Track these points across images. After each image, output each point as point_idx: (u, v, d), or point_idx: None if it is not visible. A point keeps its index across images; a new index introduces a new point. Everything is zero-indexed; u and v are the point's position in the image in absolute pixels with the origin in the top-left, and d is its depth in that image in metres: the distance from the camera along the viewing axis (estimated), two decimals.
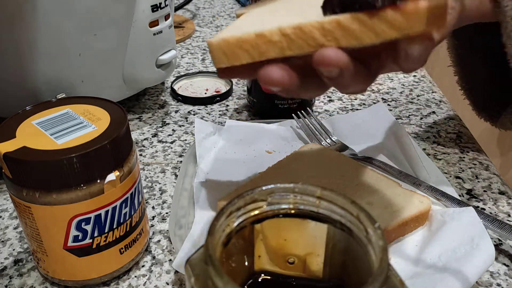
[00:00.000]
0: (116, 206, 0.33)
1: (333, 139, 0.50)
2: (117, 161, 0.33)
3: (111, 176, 0.32)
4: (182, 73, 0.68)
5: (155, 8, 0.51)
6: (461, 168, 0.49)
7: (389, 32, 0.25)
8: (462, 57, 0.50)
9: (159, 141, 0.54)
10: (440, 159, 0.50)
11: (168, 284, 0.36)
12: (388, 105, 0.61)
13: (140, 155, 0.51)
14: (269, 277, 0.26)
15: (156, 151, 0.52)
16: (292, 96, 0.30)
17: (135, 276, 0.37)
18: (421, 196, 0.40)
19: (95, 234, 0.33)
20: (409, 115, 0.59)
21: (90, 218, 0.32)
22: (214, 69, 0.70)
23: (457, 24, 0.35)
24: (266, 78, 0.27)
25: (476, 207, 0.39)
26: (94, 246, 0.33)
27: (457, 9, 0.33)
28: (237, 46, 0.27)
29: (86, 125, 0.33)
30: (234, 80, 0.67)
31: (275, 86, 0.27)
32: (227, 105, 0.61)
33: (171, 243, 0.38)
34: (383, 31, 0.25)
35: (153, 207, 0.44)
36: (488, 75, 0.49)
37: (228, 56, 0.28)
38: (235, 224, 0.23)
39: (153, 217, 0.43)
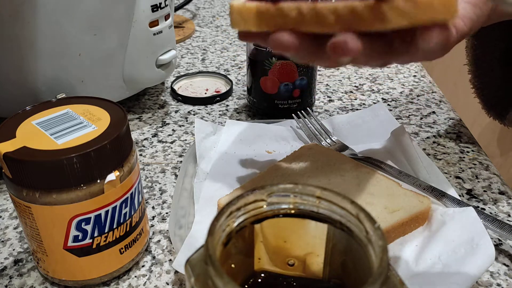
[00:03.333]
0: (116, 206, 0.33)
1: (333, 139, 0.50)
2: (117, 161, 0.33)
3: (111, 176, 0.32)
4: (182, 73, 0.68)
5: (155, 8, 0.51)
6: (461, 168, 0.49)
7: (398, 20, 0.25)
8: (479, 57, 0.51)
9: (159, 141, 0.54)
10: (440, 159, 0.50)
11: (168, 284, 0.36)
12: (388, 105, 0.61)
13: (140, 155, 0.51)
14: (269, 277, 0.26)
15: (156, 151, 0.52)
16: (308, 63, 0.30)
17: (135, 276, 0.37)
18: (421, 196, 0.40)
19: (95, 234, 0.33)
20: (409, 115, 0.59)
21: (90, 218, 0.32)
22: (214, 69, 0.70)
23: (488, 21, 0.35)
24: (275, 42, 0.27)
25: (476, 207, 0.39)
26: (94, 246, 0.33)
27: (489, 5, 0.32)
28: (256, 15, 0.27)
29: (86, 125, 0.33)
30: (234, 80, 0.67)
31: (285, 51, 0.27)
32: (227, 105, 0.61)
33: (171, 243, 0.38)
34: (393, 19, 0.25)
35: (153, 207, 0.44)
36: (502, 75, 0.51)
37: (246, 22, 0.28)
38: (235, 224, 0.23)
39: (153, 217, 0.43)
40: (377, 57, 0.28)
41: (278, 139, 0.51)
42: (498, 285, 0.36)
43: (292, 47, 0.27)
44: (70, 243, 0.33)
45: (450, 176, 0.48)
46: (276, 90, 0.54)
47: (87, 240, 0.33)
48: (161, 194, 0.46)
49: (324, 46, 0.26)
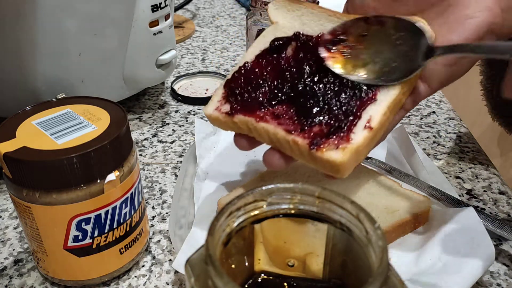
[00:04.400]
0: (116, 206, 0.33)
1: None
2: (117, 161, 0.33)
3: (111, 176, 0.32)
4: (182, 73, 0.68)
5: (155, 8, 0.51)
6: (461, 168, 0.49)
7: (305, 162, 0.31)
8: (490, 58, 0.51)
9: (159, 141, 0.54)
10: (440, 159, 0.50)
11: (168, 284, 0.36)
12: None
13: (140, 155, 0.51)
14: (269, 277, 0.26)
15: (156, 151, 0.52)
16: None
17: (135, 276, 0.37)
18: (421, 196, 0.40)
19: (95, 234, 0.33)
20: (409, 115, 0.59)
21: (90, 218, 0.32)
22: (214, 69, 0.70)
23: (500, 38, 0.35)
24: (237, 144, 0.35)
25: (476, 207, 0.39)
26: (94, 246, 0.33)
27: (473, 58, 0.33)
28: (221, 122, 0.35)
29: (86, 125, 0.33)
30: None
31: (242, 150, 0.35)
32: None
33: (171, 243, 0.38)
34: (303, 160, 0.31)
35: (153, 207, 0.44)
36: None
37: (218, 124, 0.35)
38: (235, 224, 0.23)
39: (153, 217, 0.43)
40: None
41: None
42: (498, 285, 0.36)
43: (246, 149, 0.35)
44: (70, 243, 0.33)
45: (450, 176, 0.48)
46: None
47: (87, 240, 0.33)
48: (161, 194, 0.46)
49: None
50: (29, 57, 0.46)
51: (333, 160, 0.29)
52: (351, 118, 0.30)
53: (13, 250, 0.39)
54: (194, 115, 0.59)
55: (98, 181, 0.31)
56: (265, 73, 0.34)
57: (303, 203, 0.24)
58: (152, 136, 0.55)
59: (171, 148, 0.53)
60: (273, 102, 0.33)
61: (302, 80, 0.32)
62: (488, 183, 0.46)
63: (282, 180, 0.43)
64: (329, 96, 0.31)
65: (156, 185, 0.47)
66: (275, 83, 0.33)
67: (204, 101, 0.61)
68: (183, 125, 0.57)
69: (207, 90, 0.64)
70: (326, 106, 0.31)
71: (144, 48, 0.52)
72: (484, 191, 0.46)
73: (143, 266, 0.38)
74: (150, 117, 0.58)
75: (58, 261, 0.34)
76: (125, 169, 0.33)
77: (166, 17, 0.53)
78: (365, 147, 0.30)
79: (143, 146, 0.53)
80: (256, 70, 0.34)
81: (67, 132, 0.32)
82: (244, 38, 0.82)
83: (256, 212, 0.24)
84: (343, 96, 0.31)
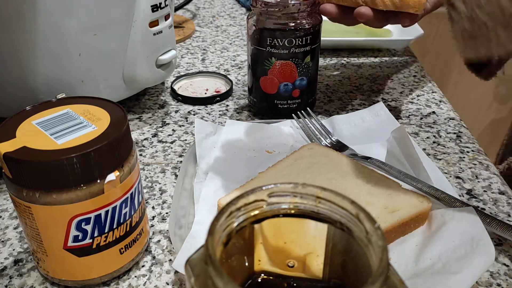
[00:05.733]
0: (116, 206, 0.33)
1: (333, 139, 0.50)
2: (117, 161, 0.33)
3: (111, 176, 0.32)
4: (182, 73, 0.68)
5: (155, 8, 0.51)
6: (461, 168, 0.49)
7: (389, 6, 0.48)
8: None
9: (159, 141, 0.54)
10: (440, 159, 0.50)
11: (168, 284, 0.36)
12: (388, 105, 0.61)
13: (140, 155, 0.51)
14: (269, 277, 0.26)
15: (156, 151, 0.52)
16: (338, 22, 0.53)
17: (135, 276, 0.37)
18: (421, 196, 0.40)
19: (95, 234, 0.33)
20: (409, 115, 0.59)
21: (90, 218, 0.32)
22: (214, 69, 0.70)
23: None
24: (322, 10, 0.51)
25: (476, 207, 0.39)
26: (94, 246, 0.33)
27: None
28: None
29: (86, 125, 0.33)
30: (234, 80, 0.67)
31: (327, 15, 0.51)
32: (227, 105, 0.61)
33: (171, 243, 0.38)
34: (388, 5, 0.48)
35: (153, 207, 0.44)
36: None
37: None
38: (235, 224, 0.23)
39: (153, 217, 0.43)
40: (378, 20, 0.50)
41: (278, 139, 0.51)
42: (498, 285, 0.36)
43: (333, 14, 0.51)
44: (70, 243, 0.33)
45: (450, 176, 0.48)
46: (275, 90, 0.54)
47: (87, 240, 0.33)
48: (161, 194, 0.46)
49: (350, 14, 0.50)
50: (29, 57, 0.46)
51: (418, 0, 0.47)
52: None
53: (13, 250, 0.39)
54: (194, 115, 0.59)
55: (98, 181, 0.31)
56: None
57: (303, 203, 0.24)
58: (152, 136, 0.55)
59: (171, 148, 0.53)
60: None
61: None
62: (488, 183, 0.46)
63: (282, 180, 0.43)
64: None
65: (156, 185, 0.47)
66: None
67: (204, 101, 0.61)
68: (183, 125, 0.57)
69: (207, 90, 0.64)
70: None
71: (144, 48, 0.52)
72: (484, 191, 0.46)
73: (143, 266, 0.38)
74: (150, 117, 0.58)
75: (58, 261, 0.34)
76: (125, 169, 0.33)
77: (166, 17, 0.53)
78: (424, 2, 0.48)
79: (143, 146, 0.53)
80: None
81: (67, 132, 0.32)
82: (244, 38, 0.82)
83: (256, 212, 0.24)
84: None
